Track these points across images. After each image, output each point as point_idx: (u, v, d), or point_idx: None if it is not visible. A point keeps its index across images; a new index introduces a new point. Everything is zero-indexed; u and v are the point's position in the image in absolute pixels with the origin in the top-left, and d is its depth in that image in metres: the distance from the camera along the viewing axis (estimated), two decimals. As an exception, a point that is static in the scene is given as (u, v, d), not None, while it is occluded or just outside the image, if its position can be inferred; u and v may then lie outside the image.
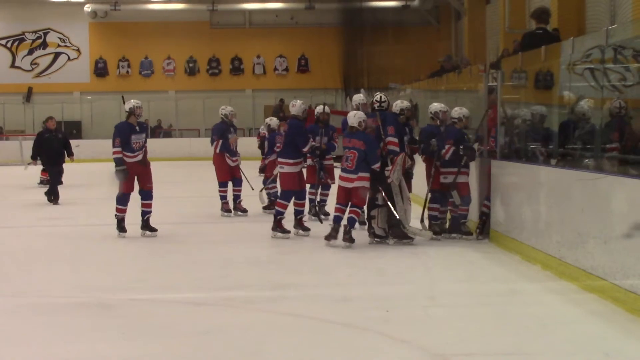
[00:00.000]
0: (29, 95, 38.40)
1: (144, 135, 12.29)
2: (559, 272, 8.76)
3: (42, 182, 23.02)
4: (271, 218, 12.18)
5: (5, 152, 31.46)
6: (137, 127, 12.17)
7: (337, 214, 11.18)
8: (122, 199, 12.20)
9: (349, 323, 7.19)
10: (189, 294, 8.60)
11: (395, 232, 11.09)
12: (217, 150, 14.30)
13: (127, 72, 39.18)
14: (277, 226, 11.91)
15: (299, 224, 12.11)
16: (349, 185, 11.02)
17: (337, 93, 36.63)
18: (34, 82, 38.85)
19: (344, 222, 11.07)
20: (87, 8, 38.06)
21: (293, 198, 11.94)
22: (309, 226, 12.10)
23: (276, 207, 12.08)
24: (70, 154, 17.89)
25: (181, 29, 38.33)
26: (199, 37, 38.63)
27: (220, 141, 14.26)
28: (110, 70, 39.16)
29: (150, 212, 12.31)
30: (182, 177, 23.76)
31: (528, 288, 8.56)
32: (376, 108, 11.42)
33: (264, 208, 14.57)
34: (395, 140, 11.10)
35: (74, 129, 36.54)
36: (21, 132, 35.89)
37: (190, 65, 39.23)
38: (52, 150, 17.65)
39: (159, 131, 36.58)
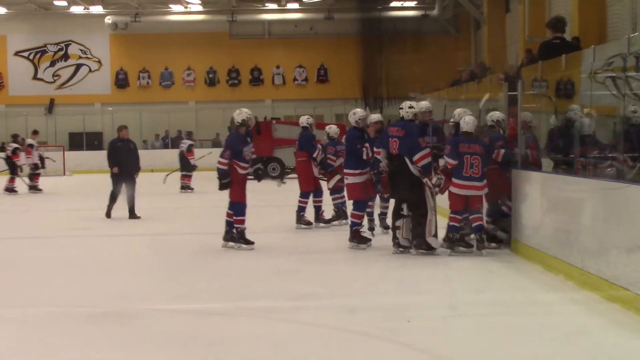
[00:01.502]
0: (50, 106, 38.63)
1: (251, 145, 12.08)
2: (581, 282, 8.69)
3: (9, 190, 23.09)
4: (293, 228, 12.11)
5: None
6: (248, 138, 11.96)
7: (453, 223, 11.17)
8: (242, 209, 11.93)
9: (370, 333, 7.17)
10: (210, 303, 8.60)
11: (418, 243, 11.05)
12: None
13: (148, 83, 39.35)
14: (354, 237, 11.80)
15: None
16: (477, 192, 11.04)
17: (356, 103, 36.54)
18: (56, 94, 39.10)
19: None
20: (108, 20, 38.31)
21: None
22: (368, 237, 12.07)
23: (351, 219, 11.94)
24: (137, 169, 16.63)
25: (201, 40, 38.49)
26: (219, 47, 38.78)
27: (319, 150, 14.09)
28: (131, 82, 39.35)
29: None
30: (203, 187, 23.74)
31: (550, 298, 8.50)
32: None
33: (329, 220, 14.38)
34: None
35: (95, 140, 36.74)
36: (43, 144, 36.05)
37: (210, 76, 39.36)
38: (125, 160, 16.39)
39: (179, 142, 36.61)
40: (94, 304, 8.65)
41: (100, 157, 24.62)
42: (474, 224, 11.07)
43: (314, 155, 14.07)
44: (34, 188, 23.99)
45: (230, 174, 11.74)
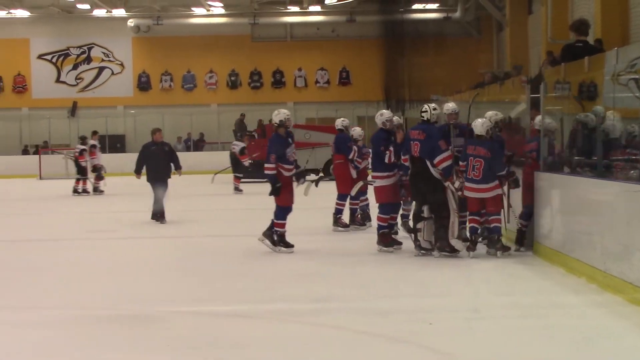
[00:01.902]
0: (73, 109, 38.81)
1: (293, 146, 11.93)
2: (604, 284, 8.66)
3: (77, 192, 23.26)
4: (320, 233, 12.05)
5: (51, 166, 31.71)
6: (289, 139, 11.82)
7: (472, 224, 11.17)
8: (283, 214, 11.79)
9: (392, 336, 7.17)
10: (233, 306, 8.62)
11: (441, 245, 11.03)
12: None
13: (170, 86, 39.46)
14: (381, 240, 11.75)
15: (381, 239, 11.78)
16: (483, 195, 11.01)
17: (378, 105, 36.48)
18: (79, 97, 39.28)
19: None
20: (131, 23, 38.46)
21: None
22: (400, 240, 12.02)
23: (378, 222, 11.87)
24: (178, 167, 16.28)
25: (223, 43, 38.57)
26: (241, 50, 38.84)
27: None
28: (153, 84, 39.47)
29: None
30: (224, 190, 23.81)
31: (572, 301, 8.46)
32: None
33: (352, 224, 14.22)
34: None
35: (118, 143, 36.89)
36: (66, 146, 36.21)
37: (232, 78, 39.42)
38: (157, 164, 15.98)
39: (201, 144, 36.76)
40: (113, 306, 8.70)
41: (122, 159, 24.75)
42: (488, 226, 11.06)
43: (350, 156, 13.91)
44: (96, 190, 23.91)
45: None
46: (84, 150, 23.78)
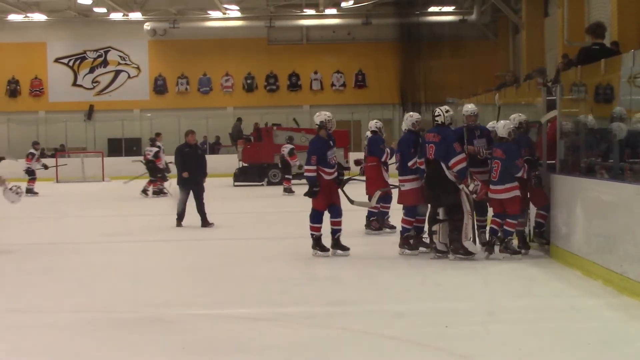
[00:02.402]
0: (90, 113, 38.99)
1: (335, 148, 11.80)
2: (620, 287, 8.63)
3: (150, 192, 23.24)
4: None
5: (68, 169, 31.83)
6: (330, 142, 11.68)
7: (492, 226, 11.22)
8: (317, 217, 11.66)
9: (407, 339, 7.17)
10: (248, 309, 8.63)
11: (455, 247, 11.03)
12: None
13: (186, 89, 39.55)
14: (405, 243, 11.63)
15: (405, 243, 11.63)
16: (500, 196, 11.06)
17: (394, 108, 36.57)
18: (95, 100, 39.44)
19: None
20: (147, 26, 38.60)
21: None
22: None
23: (402, 225, 11.74)
24: (203, 174, 15.96)
25: (239, 46, 38.63)
26: (257, 53, 38.88)
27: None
28: (170, 88, 39.58)
29: (340, 229, 11.68)
30: (239, 193, 23.90)
31: (589, 304, 8.45)
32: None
33: (366, 226, 14.05)
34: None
35: (134, 146, 37.00)
36: (83, 149, 36.42)
37: (248, 81, 39.48)
38: (190, 166, 15.76)
39: (217, 147, 36.80)
40: (130, 309, 8.73)
41: (139, 163, 24.73)
42: (503, 228, 11.10)
43: (382, 159, 13.73)
44: (158, 192, 23.78)
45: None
46: (158, 152, 23.70)
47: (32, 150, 26.20)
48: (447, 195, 11.02)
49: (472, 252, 10.97)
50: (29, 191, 24.28)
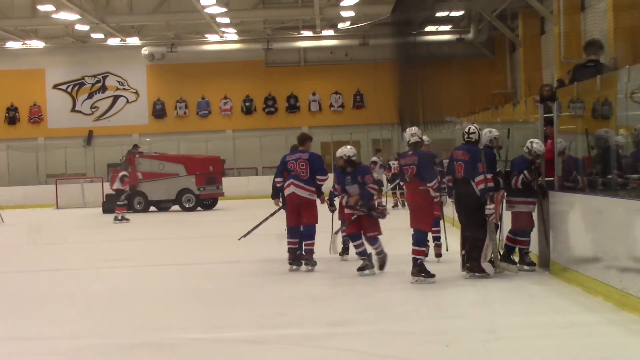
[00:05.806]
0: (89, 138, 39.07)
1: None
2: (620, 303, 8.61)
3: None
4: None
5: (67, 195, 31.85)
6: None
7: (506, 242, 11.53)
8: (314, 233, 12.50)
9: (408, 358, 7.15)
10: (248, 331, 8.60)
11: (471, 265, 11.02)
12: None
13: (185, 112, 39.67)
14: (420, 271, 11.13)
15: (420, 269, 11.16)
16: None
17: (392, 128, 36.65)
18: (94, 126, 39.58)
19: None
20: (145, 51, 38.75)
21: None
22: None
23: (414, 255, 11.27)
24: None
25: (237, 69, 38.81)
26: (255, 76, 39.05)
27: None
28: (168, 112, 39.72)
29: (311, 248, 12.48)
30: (240, 215, 23.85)
31: (589, 320, 8.43)
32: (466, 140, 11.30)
33: (341, 254, 13.50)
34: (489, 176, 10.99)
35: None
36: (82, 175, 36.44)
37: (247, 104, 39.60)
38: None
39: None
40: (129, 334, 8.70)
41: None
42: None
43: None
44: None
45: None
46: None
47: None
48: (474, 213, 11.02)
49: (488, 273, 10.96)
50: None
